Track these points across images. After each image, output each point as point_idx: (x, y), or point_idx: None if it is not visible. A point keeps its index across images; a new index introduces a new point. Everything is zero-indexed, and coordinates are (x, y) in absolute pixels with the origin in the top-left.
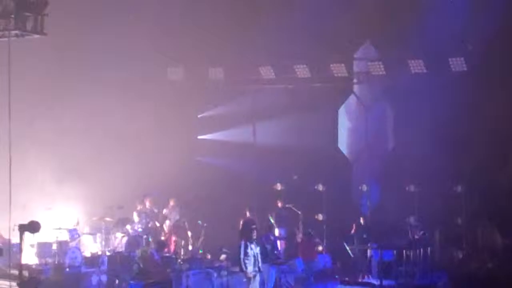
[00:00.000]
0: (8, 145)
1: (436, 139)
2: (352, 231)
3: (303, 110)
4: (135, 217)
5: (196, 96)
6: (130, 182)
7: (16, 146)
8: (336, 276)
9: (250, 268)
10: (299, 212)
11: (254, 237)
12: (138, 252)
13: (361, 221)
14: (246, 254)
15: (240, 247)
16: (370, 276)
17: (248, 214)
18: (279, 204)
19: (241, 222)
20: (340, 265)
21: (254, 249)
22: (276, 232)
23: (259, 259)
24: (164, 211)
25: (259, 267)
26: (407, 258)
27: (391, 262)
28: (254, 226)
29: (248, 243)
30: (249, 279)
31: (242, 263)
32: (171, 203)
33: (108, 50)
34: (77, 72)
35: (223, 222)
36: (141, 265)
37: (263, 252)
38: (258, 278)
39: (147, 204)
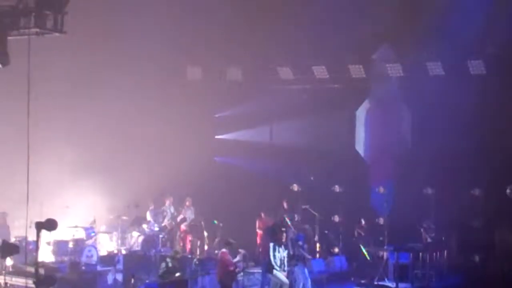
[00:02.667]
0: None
1: (454, 142)
2: (356, 233)
3: (321, 111)
4: (148, 217)
5: (214, 95)
6: (147, 182)
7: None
8: (352, 278)
9: (276, 270)
10: (316, 214)
11: (284, 240)
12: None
13: (362, 222)
14: (275, 256)
15: (269, 249)
16: (386, 279)
17: (263, 216)
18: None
19: (271, 225)
20: (356, 267)
21: (281, 253)
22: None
23: (285, 263)
24: (181, 210)
25: (285, 270)
26: (423, 261)
27: (407, 264)
28: (283, 229)
29: (277, 246)
30: (275, 284)
31: (273, 264)
32: (187, 202)
33: (127, 49)
34: (97, 71)
35: (239, 222)
36: (170, 264)
37: (289, 255)
38: (283, 280)
39: (167, 203)
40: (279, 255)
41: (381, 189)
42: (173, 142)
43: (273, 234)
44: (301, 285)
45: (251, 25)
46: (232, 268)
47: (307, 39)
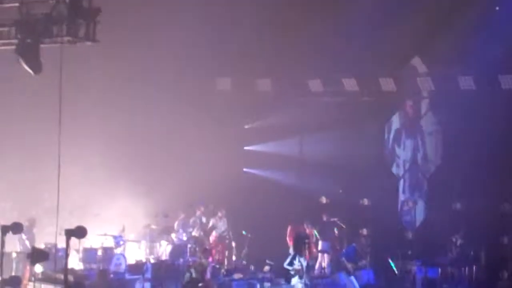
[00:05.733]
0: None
1: (484, 157)
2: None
3: (351, 124)
4: (177, 226)
5: (243, 107)
6: (177, 192)
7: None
8: None
9: (294, 280)
10: (344, 226)
11: (306, 251)
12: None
13: (364, 232)
14: (291, 264)
15: (289, 256)
16: None
17: (305, 227)
18: (324, 218)
19: (296, 234)
20: (383, 281)
21: (302, 262)
22: (320, 245)
23: (305, 273)
24: (212, 220)
25: (305, 282)
26: (452, 276)
27: (435, 279)
28: (307, 241)
29: (298, 256)
30: None
31: (288, 269)
32: (219, 213)
33: (157, 60)
34: (127, 81)
35: (268, 234)
36: (194, 275)
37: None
38: None
39: (197, 213)
40: (299, 264)
41: (410, 203)
42: (202, 153)
43: (297, 245)
44: None
45: (281, 36)
46: None
47: (338, 51)
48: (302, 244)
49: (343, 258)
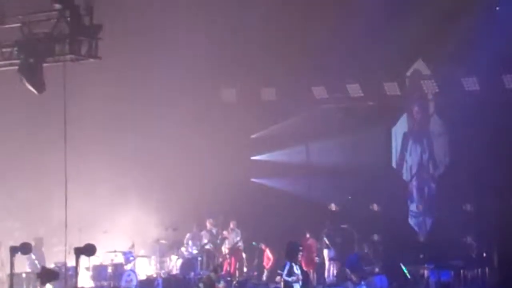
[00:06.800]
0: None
1: (492, 157)
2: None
3: (357, 129)
4: (187, 240)
5: (249, 116)
6: (185, 205)
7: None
8: None
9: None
10: (354, 233)
11: (299, 259)
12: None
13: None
14: (291, 274)
15: (284, 267)
16: None
17: (308, 236)
18: (333, 225)
19: (288, 243)
20: (397, 287)
21: (297, 271)
22: (328, 253)
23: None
24: (224, 232)
25: None
26: (465, 279)
27: (448, 282)
28: (301, 248)
29: (293, 264)
30: None
31: (286, 283)
32: (231, 225)
33: (161, 73)
34: (131, 95)
35: (278, 243)
36: None
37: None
38: None
39: (208, 225)
40: (297, 272)
41: (420, 207)
42: (209, 165)
43: (290, 253)
44: None
45: (284, 45)
46: None
47: (341, 57)
48: (296, 252)
49: (346, 269)
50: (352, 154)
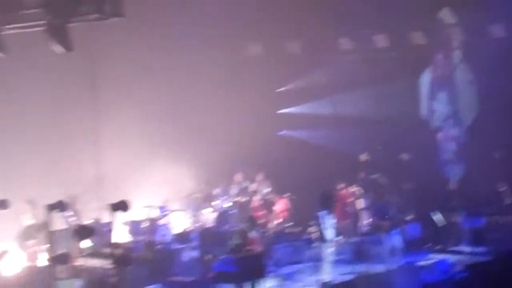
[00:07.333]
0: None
1: None
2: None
3: (383, 80)
4: (219, 193)
5: (274, 70)
6: (215, 159)
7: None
8: (427, 245)
9: (330, 239)
10: (385, 182)
11: (334, 208)
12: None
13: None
14: (325, 224)
15: (318, 217)
16: (461, 244)
17: (340, 186)
18: (363, 175)
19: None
20: (430, 234)
21: (331, 221)
22: (361, 203)
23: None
24: (253, 185)
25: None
26: (498, 225)
27: (481, 229)
28: (334, 198)
29: (327, 215)
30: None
31: (321, 233)
32: (259, 177)
33: (186, 28)
34: (161, 51)
35: (309, 195)
36: (237, 241)
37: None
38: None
39: (237, 179)
40: (331, 222)
41: (450, 155)
42: (237, 119)
43: (324, 203)
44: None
45: None
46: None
47: (366, 8)
48: (329, 201)
49: (377, 218)
50: (379, 105)
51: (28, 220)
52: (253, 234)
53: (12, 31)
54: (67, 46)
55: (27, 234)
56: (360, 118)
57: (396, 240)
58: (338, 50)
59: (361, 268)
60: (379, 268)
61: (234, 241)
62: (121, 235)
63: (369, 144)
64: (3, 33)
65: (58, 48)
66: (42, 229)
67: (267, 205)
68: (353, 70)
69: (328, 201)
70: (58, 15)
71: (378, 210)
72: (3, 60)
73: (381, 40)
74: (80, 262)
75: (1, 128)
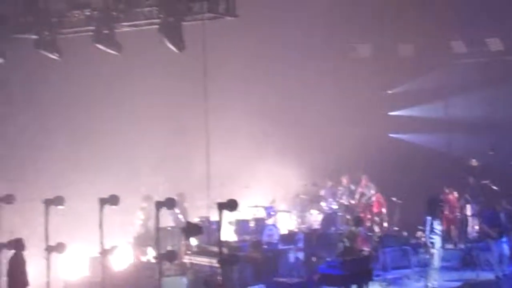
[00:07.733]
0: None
1: None
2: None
3: (496, 84)
4: (326, 195)
5: (385, 72)
6: (322, 160)
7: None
8: None
9: (437, 245)
10: (496, 189)
11: (440, 214)
12: (346, 232)
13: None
14: (432, 230)
15: (425, 222)
16: None
17: (447, 191)
18: (472, 181)
19: (429, 197)
20: None
21: (438, 227)
22: (469, 209)
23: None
24: (359, 188)
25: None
26: None
27: None
28: (441, 204)
29: (433, 220)
30: (431, 254)
31: (428, 239)
32: (363, 180)
33: (297, 29)
34: (270, 52)
35: (417, 199)
36: (348, 244)
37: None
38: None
39: (344, 181)
40: (438, 228)
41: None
42: (345, 120)
43: (431, 208)
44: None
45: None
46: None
47: (480, 10)
48: (436, 206)
49: (483, 225)
50: (492, 109)
51: (139, 216)
52: (361, 237)
53: (127, 29)
54: (180, 44)
55: (139, 232)
56: (472, 122)
57: (504, 248)
58: (451, 54)
59: (469, 275)
60: (487, 275)
61: (344, 244)
62: (228, 234)
63: (480, 149)
64: (117, 30)
65: (171, 47)
66: (152, 226)
67: (373, 207)
68: (465, 74)
69: (435, 206)
70: (172, 14)
71: (487, 217)
72: (118, 58)
73: (494, 44)
74: (187, 259)
75: (114, 124)
